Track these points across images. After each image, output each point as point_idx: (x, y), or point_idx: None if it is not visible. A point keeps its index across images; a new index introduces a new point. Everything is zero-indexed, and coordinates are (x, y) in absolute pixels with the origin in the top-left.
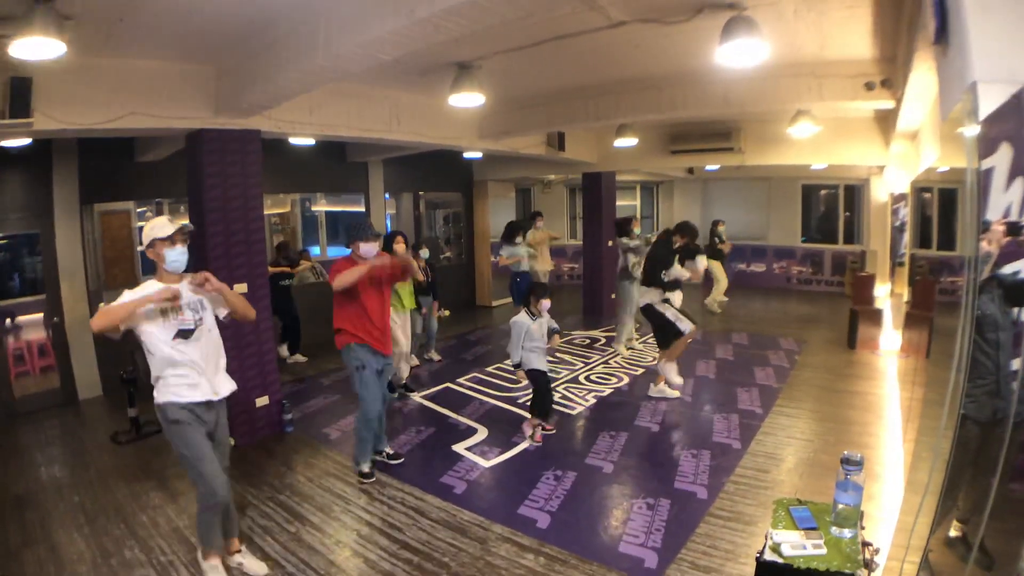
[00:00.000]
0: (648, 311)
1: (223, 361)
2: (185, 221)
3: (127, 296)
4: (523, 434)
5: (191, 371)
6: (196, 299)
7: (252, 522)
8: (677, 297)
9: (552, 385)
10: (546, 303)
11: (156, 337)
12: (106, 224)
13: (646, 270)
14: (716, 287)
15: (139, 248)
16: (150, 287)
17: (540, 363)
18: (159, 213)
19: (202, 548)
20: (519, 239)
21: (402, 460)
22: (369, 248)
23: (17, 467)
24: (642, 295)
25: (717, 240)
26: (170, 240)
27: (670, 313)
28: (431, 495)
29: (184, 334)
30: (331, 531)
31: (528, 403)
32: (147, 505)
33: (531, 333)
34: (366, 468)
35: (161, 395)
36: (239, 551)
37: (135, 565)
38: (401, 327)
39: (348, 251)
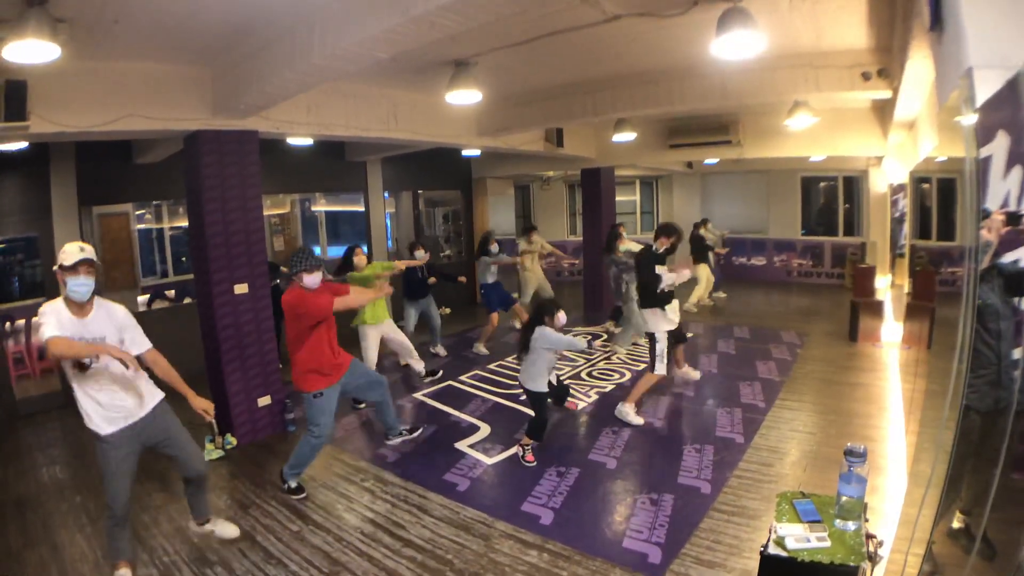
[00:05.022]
0: (650, 338)
1: (142, 380)
2: (91, 256)
3: (47, 318)
4: (520, 445)
5: (107, 400)
6: (99, 335)
7: (255, 521)
8: (674, 308)
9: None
10: (561, 318)
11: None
12: (105, 226)
13: (640, 291)
14: (696, 289)
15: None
16: (56, 308)
17: (544, 383)
18: (157, 215)
19: (110, 558)
20: (494, 247)
21: (421, 431)
22: (313, 278)
23: (19, 468)
24: (648, 320)
25: (708, 243)
26: (72, 270)
27: (660, 348)
28: (434, 492)
29: (81, 366)
30: (334, 529)
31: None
32: (149, 505)
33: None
34: (295, 484)
35: (88, 420)
36: (209, 520)
37: (138, 565)
38: (386, 337)
39: (343, 251)
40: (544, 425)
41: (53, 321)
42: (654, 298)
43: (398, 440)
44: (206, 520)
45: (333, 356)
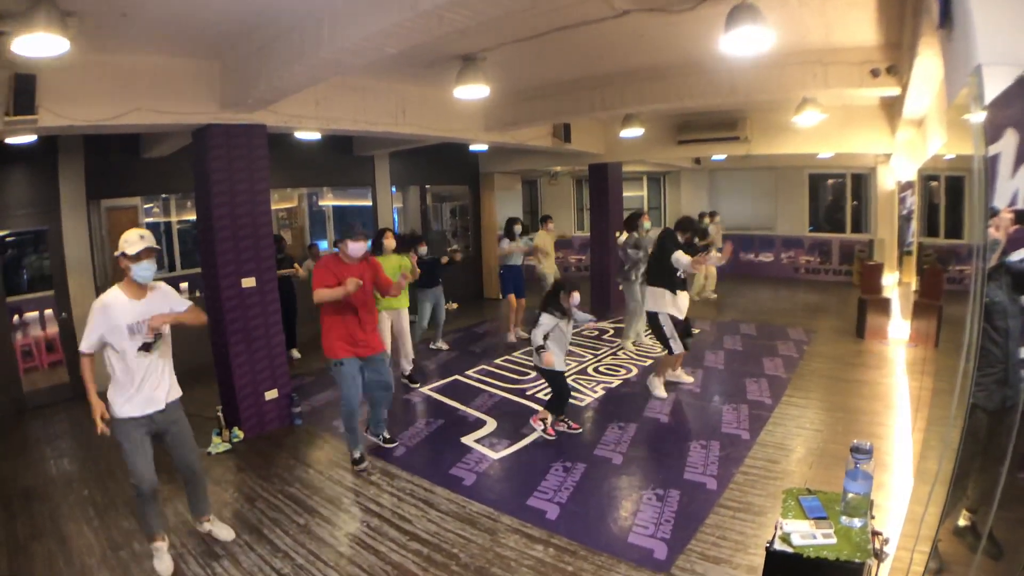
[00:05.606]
0: (652, 318)
1: (171, 376)
2: (152, 243)
3: (95, 320)
4: (532, 427)
5: (144, 383)
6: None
7: (262, 514)
8: (684, 299)
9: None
10: (576, 296)
11: (125, 350)
12: (113, 220)
13: (652, 268)
14: (696, 279)
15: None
16: (108, 303)
17: (560, 363)
18: (166, 209)
19: (145, 533)
20: (519, 228)
21: (396, 444)
22: (357, 247)
23: (26, 461)
24: (651, 298)
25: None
26: (135, 258)
27: (667, 329)
28: (440, 487)
29: (146, 347)
30: (340, 523)
31: (543, 397)
32: None
33: (558, 331)
34: (357, 454)
35: (117, 407)
36: (208, 520)
37: (144, 557)
38: (394, 326)
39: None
40: (566, 398)
41: (98, 327)
42: (664, 277)
43: (372, 439)
44: (205, 519)
45: (355, 329)
